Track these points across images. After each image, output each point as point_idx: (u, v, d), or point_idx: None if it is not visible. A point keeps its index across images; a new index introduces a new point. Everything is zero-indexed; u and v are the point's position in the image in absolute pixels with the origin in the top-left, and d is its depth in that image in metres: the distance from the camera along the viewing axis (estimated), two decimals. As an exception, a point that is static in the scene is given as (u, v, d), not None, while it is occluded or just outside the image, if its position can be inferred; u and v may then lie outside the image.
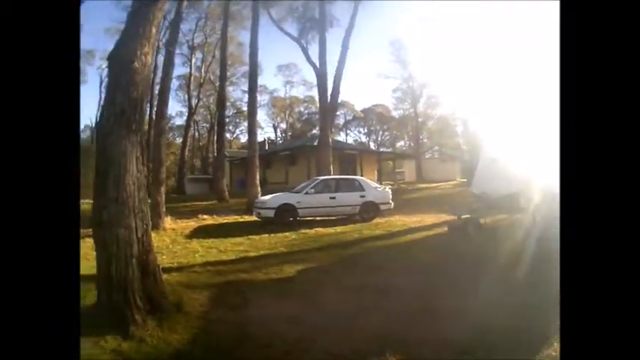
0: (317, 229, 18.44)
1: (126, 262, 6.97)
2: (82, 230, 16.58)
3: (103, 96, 63.19)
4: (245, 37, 51.62)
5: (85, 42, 63.07)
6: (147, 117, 31.36)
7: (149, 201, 8.12)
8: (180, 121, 75.38)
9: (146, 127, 20.89)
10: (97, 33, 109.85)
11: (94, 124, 66.99)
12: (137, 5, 7.83)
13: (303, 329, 6.92)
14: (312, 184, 21.97)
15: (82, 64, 60.26)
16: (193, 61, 58.66)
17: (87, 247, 15.04)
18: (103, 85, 63.86)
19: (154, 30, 7.70)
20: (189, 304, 7.91)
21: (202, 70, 60.47)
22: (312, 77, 65.20)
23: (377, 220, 20.88)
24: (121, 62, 7.35)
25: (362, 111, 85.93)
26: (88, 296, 8.29)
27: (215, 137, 52.14)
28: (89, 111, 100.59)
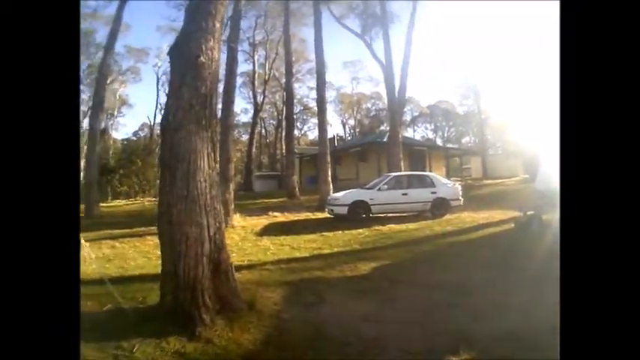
0: (390, 225, 18.21)
1: (196, 260, 6.81)
2: (142, 228, 16.91)
3: (160, 93, 65.35)
4: (306, 33, 52.20)
5: (138, 40, 64.57)
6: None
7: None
8: (245, 119, 76.32)
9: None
10: (149, 31, 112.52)
11: (152, 122, 69.23)
12: (198, 0, 7.72)
13: (379, 327, 6.76)
14: (385, 181, 21.61)
15: (135, 63, 63.13)
16: (256, 58, 59.32)
17: (148, 246, 15.59)
18: (161, 83, 65.83)
19: (217, 24, 7.57)
20: (261, 302, 7.76)
21: (266, 67, 60.83)
22: (377, 73, 65.09)
23: (447, 216, 20.51)
24: (185, 57, 7.27)
25: (428, 107, 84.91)
26: (150, 296, 8.28)
27: (283, 134, 52.34)
28: (146, 109, 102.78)
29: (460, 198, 21.71)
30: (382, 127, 68.67)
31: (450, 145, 69.59)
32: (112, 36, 31.50)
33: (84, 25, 51.82)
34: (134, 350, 6.08)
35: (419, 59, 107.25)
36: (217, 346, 6.17)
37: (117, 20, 31.27)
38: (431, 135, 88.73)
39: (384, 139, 37.07)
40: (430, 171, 38.05)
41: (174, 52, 7.50)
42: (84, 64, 56.73)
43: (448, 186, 22.14)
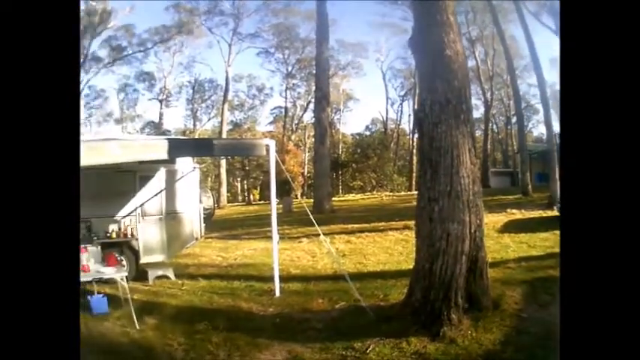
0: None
1: (455, 258, 6.75)
2: (381, 223, 17.03)
3: (389, 88, 66.36)
4: (512, 30, 49.97)
5: (349, 35, 64.86)
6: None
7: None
8: (475, 115, 74.17)
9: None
10: (358, 26, 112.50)
11: (385, 117, 69.82)
12: None
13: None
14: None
15: (354, 57, 62.90)
16: (476, 54, 57.72)
17: (389, 241, 15.69)
18: (387, 78, 66.99)
19: (451, 18, 7.41)
20: (505, 301, 7.56)
21: (488, 64, 59.21)
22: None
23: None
24: (428, 51, 7.28)
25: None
26: (392, 294, 8.29)
27: (512, 131, 50.52)
28: (375, 103, 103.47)
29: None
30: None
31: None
32: (321, 31, 31.96)
33: (277, 19, 54.88)
34: (367, 351, 6.16)
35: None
36: (460, 346, 6.08)
37: (321, 15, 31.62)
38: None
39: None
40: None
41: (414, 46, 7.58)
42: (291, 57, 60.19)
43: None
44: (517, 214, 21.65)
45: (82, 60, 49.22)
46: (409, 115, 68.28)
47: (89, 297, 8.84)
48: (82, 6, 47.18)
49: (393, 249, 14.32)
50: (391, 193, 47.38)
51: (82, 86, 51.42)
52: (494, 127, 74.25)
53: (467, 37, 55.19)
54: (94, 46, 51.00)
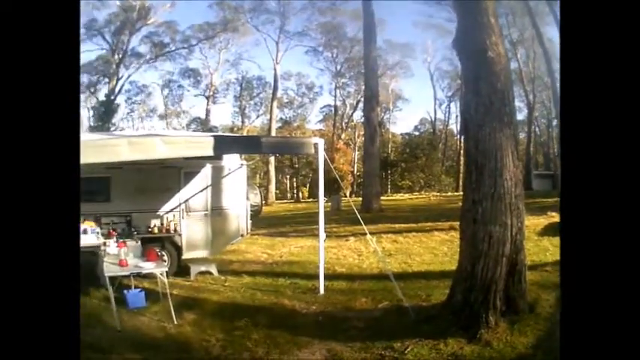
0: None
1: (495, 260, 6.76)
2: (428, 223, 17.04)
3: (436, 89, 65.96)
4: (550, 32, 48.93)
5: (396, 35, 64.21)
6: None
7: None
8: (519, 117, 73.25)
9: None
10: (405, 26, 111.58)
11: (433, 118, 69.73)
12: None
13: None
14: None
15: (402, 58, 62.52)
16: (519, 56, 56.53)
17: (434, 242, 15.67)
18: (435, 78, 66.46)
19: (492, 20, 7.39)
20: (540, 304, 7.53)
21: (529, 66, 58.03)
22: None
23: None
24: (471, 52, 7.31)
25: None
26: (435, 294, 8.31)
27: (553, 133, 49.68)
28: (424, 104, 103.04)
29: None
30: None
31: None
32: (368, 30, 31.87)
33: (324, 18, 54.71)
34: (406, 351, 6.19)
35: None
36: (494, 349, 6.10)
37: (368, 15, 31.50)
38: None
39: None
40: None
41: (458, 48, 7.61)
42: (340, 56, 60.00)
43: None
44: (556, 217, 21.35)
45: (120, 55, 51.02)
46: (456, 117, 67.99)
47: (125, 291, 9.06)
48: (118, 2, 48.81)
49: (438, 249, 14.25)
50: (439, 194, 47.22)
51: (122, 82, 52.99)
52: (537, 129, 73.16)
53: (509, 40, 54.49)
54: (133, 42, 52.39)
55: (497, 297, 6.70)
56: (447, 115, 71.47)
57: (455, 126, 69.00)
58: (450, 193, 46.46)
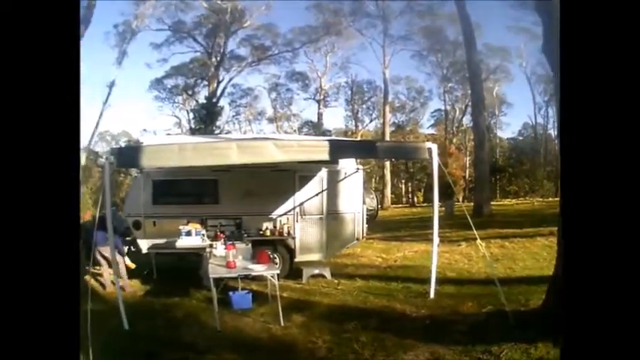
0: None
1: None
2: (532, 229, 16.96)
3: (535, 94, 64.11)
4: None
5: (492, 39, 61.98)
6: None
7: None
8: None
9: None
10: (498, 30, 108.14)
11: (534, 122, 68.08)
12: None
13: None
14: None
15: (502, 62, 60.56)
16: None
17: (537, 247, 15.70)
18: (532, 82, 64.01)
19: None
20: None
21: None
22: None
23: None
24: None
25: None
26: (533, 299, 8.33)
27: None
28: (525, 108, 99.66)
29: None
30: None
31: None
32: (467, 34, 31.62)
33: (423, 22, 53.53)
34: (501, 355, 6.21)
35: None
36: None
37: (464, 18, 31.19)
38: None
39: None
40: None
41: (546, 52, 7.59)
42: (444, 60, 58.96)
43: None
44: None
45: (218, 58, 51.10)
46: (553, 121, 65.28)
47: (230, 293, 9.36)
48: (204, 3, 48.74)
49: (540, 255, 14.12)
50: (541, 199, 46.15)
51: (223, 84, 53.13)
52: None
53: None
54: (231, 44, 52.92)
55: (585, 301, 6.51)
56: (545, 119, 69.36)
57: (553, 131, 66.31)
58: (551, 199, 44.96)
